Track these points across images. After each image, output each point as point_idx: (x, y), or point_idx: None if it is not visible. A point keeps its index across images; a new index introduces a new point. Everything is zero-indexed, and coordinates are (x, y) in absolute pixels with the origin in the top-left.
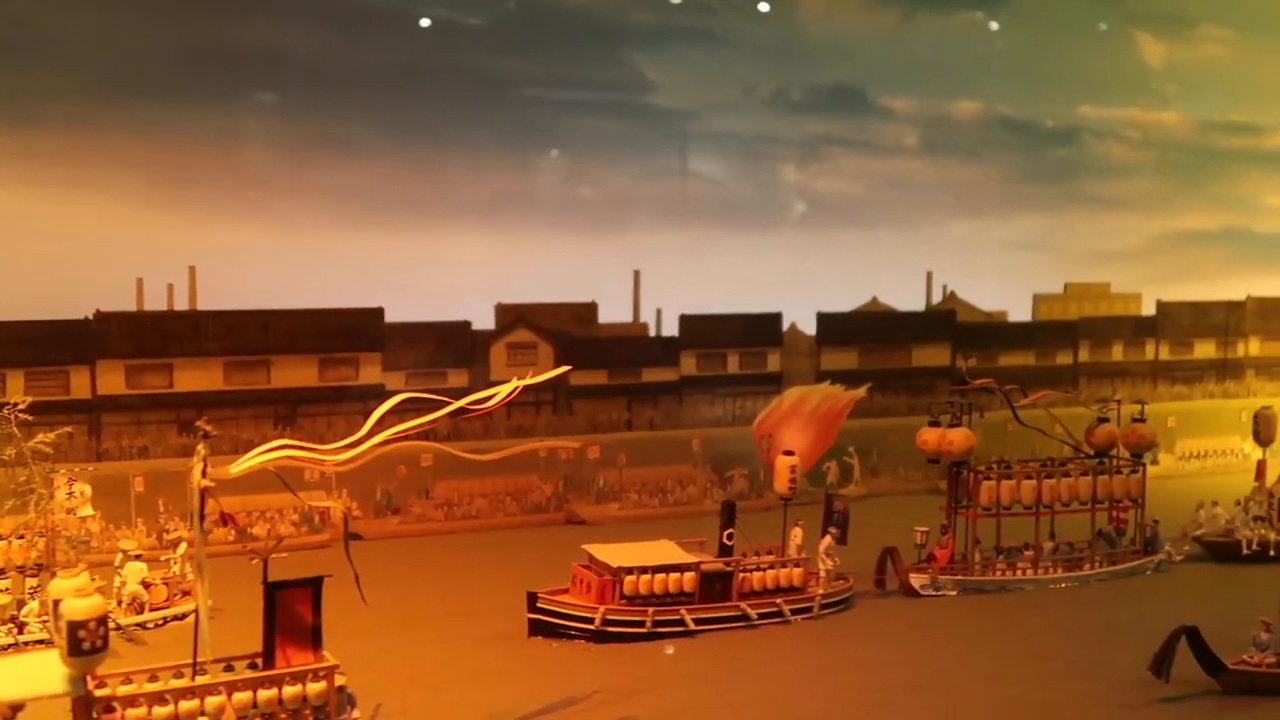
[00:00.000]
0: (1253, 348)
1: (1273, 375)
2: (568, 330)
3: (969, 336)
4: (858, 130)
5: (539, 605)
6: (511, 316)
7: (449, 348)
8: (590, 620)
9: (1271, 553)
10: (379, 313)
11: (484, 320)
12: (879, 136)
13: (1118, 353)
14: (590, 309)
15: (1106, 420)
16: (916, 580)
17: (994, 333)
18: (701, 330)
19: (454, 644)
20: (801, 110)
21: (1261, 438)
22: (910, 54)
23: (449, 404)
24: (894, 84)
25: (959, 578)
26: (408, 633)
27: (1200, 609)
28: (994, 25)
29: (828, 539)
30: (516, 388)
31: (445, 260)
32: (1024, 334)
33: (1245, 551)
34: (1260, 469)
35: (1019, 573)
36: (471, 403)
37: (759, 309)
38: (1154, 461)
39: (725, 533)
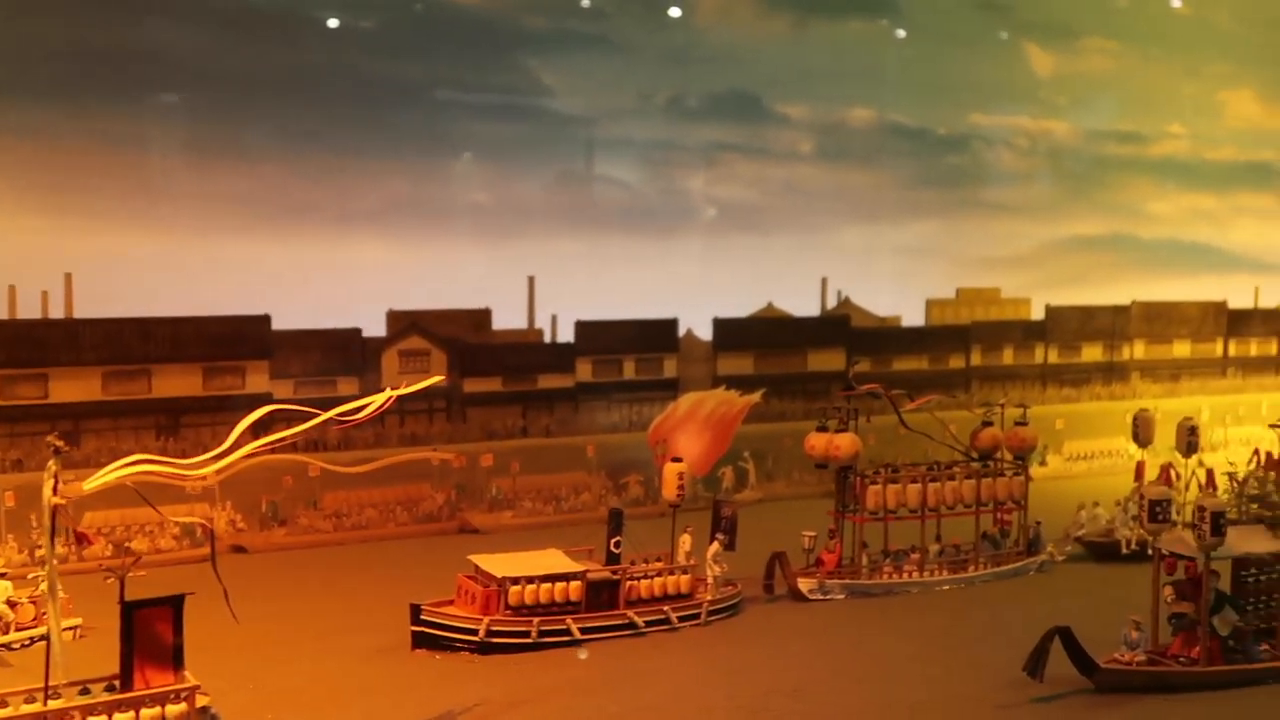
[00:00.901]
0: (1138, 351)
1: (1157, 378)
2: (462, 337)
3: (863, 341)
4: (753, 137)
5: (422, 618)
6: (404, 323)
7: (339, 355)
8: (474, 632)
9: (1149, 552)
10: (266, 320)
11: (376, 327)
12: (774, 143)
13: (1008, 356)
14: (485, 315)
15: (990, 424)
16: (804, 585)
17: (888, 337)
18: (597, 336)
19: (334, 659)
20: (697, 117)
21: (1141, 439)
22: (804, 61)
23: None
24: (789, 91)
25: (846, 581)
26: (287, 649)
27: (1079, 608)
28: (901, 33)
29: (715, 545)
30: (390, 398)
31: (337, 266)
32: (917, 339)
33: (1124, 551)
34: (1139, 470)
35: (905, 575)
36: (343, 414)
37: (655, 315)
38: (1042, 462)
39: (612, 541)
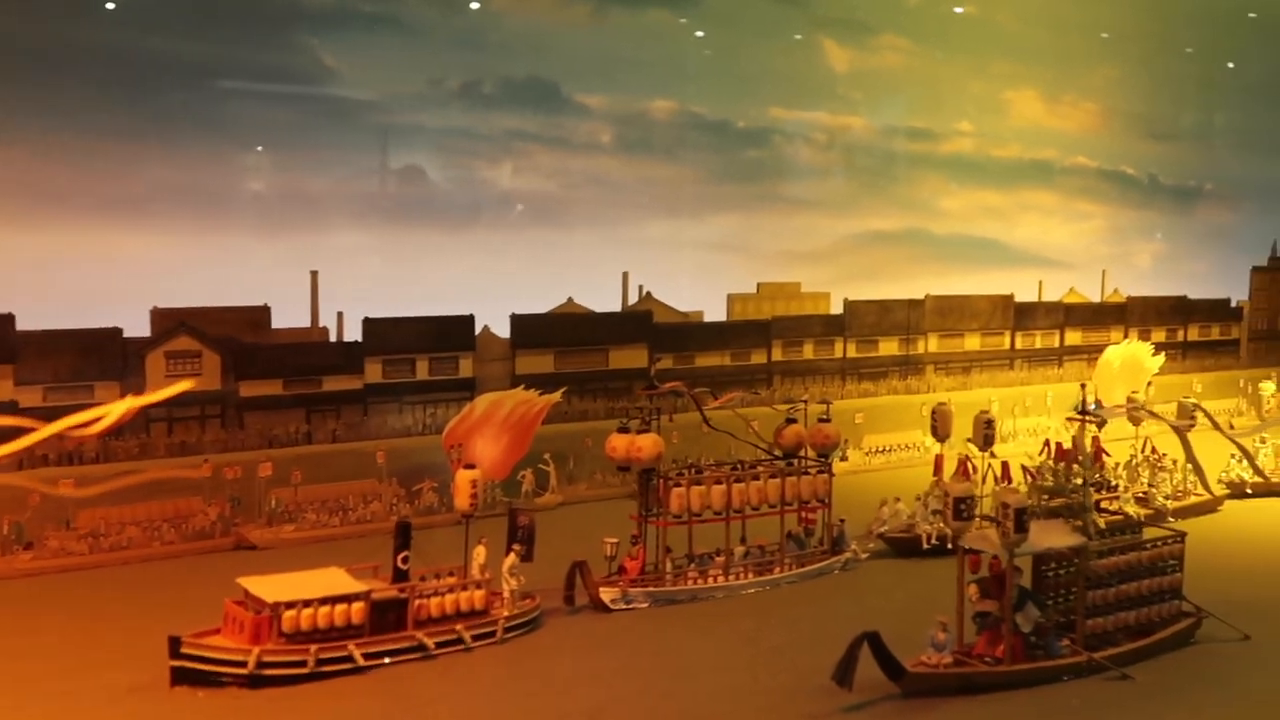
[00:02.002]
0: (932, 344)
1: (950, 371)
2: (237, 337)
3: (666, 337)
4: (553, 126)
5: (183, 651)
6: (171, 322)
7: (96, 358)
8: (243, 664)
9: (949, 545)
10: (8, 319)
11: (139, 327)
12: (574, 133)
13: (809, 351)
14: (263, 313)
15: (794, 421)
16: (606, 594)
17: (690, 333)
18: (387, 335)
19: (79, 701)
20: (493, 104)
21: (939, 433)
22: (604, 50)
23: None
24: (588, 80)
25: (650, 589)
26: (22, 691)
27: (884, 606)
28: (700, 34)
29: (511, 557)
30: (131, 408)
31: (93, 260)
32: (719, 334)
33: (925, 546)
34: (938, 464)
35: (711, 580)
36: (75, 425)
37: (450, 312)
38: (843, 458)
39: (399, 556)
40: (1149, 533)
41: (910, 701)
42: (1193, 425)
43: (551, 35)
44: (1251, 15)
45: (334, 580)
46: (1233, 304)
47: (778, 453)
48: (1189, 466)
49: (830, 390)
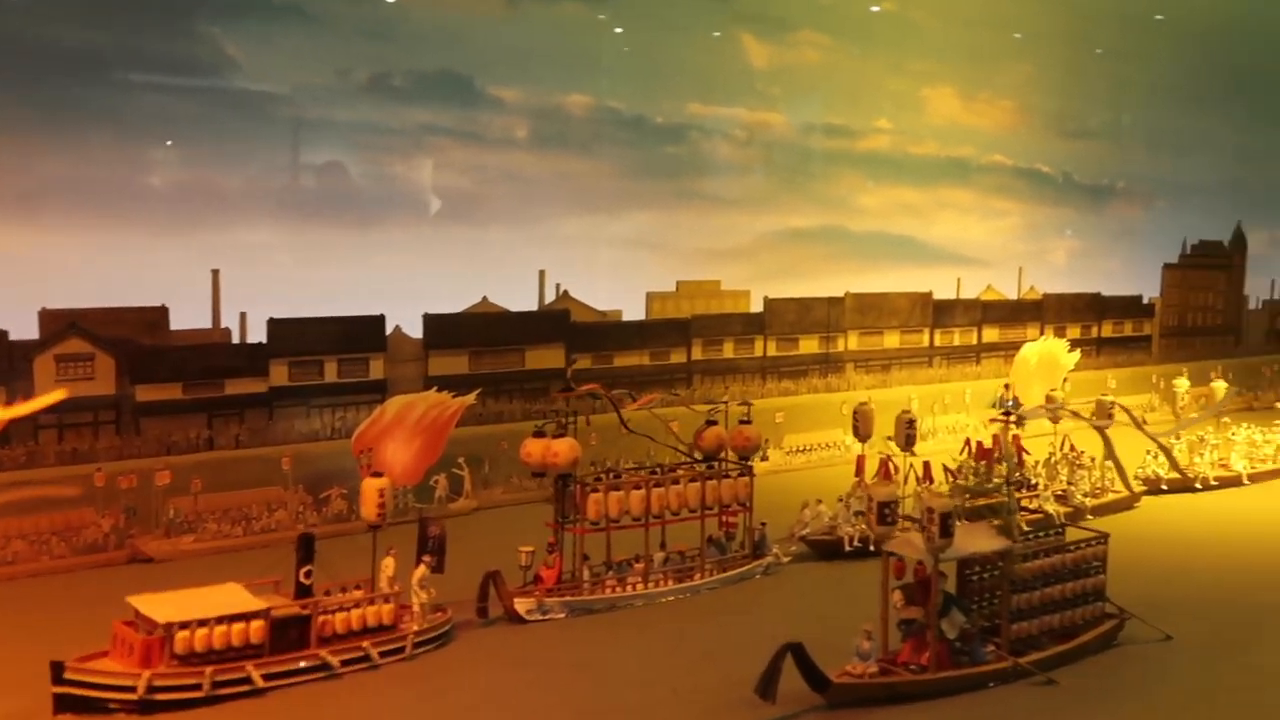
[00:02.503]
0: (852, 342)
1: (870, 369)
2: (133, 339)
3: (583, 337)
4: (466, 121)
5: (66, 676)
6: (62, 324)
7: None
8: (132, 689)
9: (871, 548)
10: None
11: (26, 329)
12: (488, 128)
13: (729, 350)
14: (160, 314)
15: (715, 423)
16: (521, 605)
17: (608, 333)
18: (294, 336)
19: None
20: (404, 98)
21: (860, 433)
22: (519, 43)
23: None
24: (503, 74)
25: (567, 599)
26: None
27: (807, 612)
28: (611, 23)
29: (421, 569)
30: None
31: None
32: (638, 333)
33: (847, 548)
34: (860, 464)
35: (630, 588)
36: None
37: (359, 311)
38: (764, 458)
39: (302, 570)
40: (1072, 534)
41: (836, 713)
42: (1111, 423)
43: (464, 27)
44: (1158, 17)
45: (231, 597)
46: (1145, 301)
47: (698, 456)
48: (1108, 464)
49: (751, 389)
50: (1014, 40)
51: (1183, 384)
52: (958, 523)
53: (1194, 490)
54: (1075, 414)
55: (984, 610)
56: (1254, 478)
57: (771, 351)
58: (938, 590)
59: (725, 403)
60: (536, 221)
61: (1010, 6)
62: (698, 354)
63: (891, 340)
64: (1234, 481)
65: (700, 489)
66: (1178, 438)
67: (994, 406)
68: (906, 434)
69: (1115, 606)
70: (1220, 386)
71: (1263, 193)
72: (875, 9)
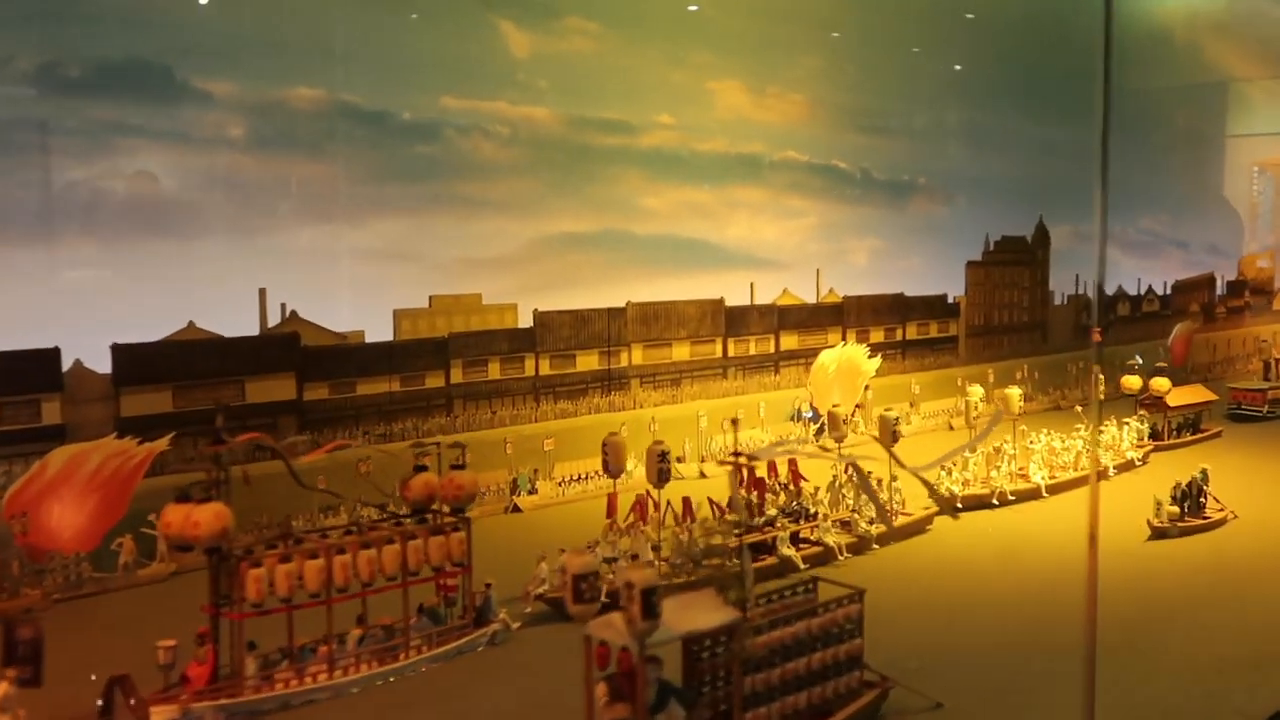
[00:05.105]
0: (636, 356)
1: (658, 384)
2: None
3: (318, 363)
4: (165, 118)
5: None
6: None
7: None
8: None
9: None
10: None
11: None
12: (194, 126)
13: (495, 370)
14: None
15: (425, 469)
16: (162, 716)
17: (349, 356)
18: None
19: None
20: (82, 90)
21: (611, 469)
22: (228, 27)
23: None
24: (210, 63)
25: (224, 702)
26: None
27: (536, 687)
28: (342, 5)
29: (4, 685)
30: None
31: None
32: (386, 356)
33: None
34: (611, 505)
35: (311, 680)
36: None
37: (28, 344)
38: (531, 490)
39: None
40: (825, 591)
41: None
42: (898, 439)
43: (157, 6)
44: (969, 16)
45: None
46: (950, 300)
47: (403, 509)
48: (895, 486)
49: (523, 413)
50: (801, 31)
51: (977, 391)
52: (675, 596)
53: (992, 506)
54: (823, 449)
55: (719, 693)
56: (1052, 489)
57: (545, 370)
58: (645, 682)
59: (437, 444)
60: (257, 233)
61: None
62: (458, 377)
63: (681, 352)
64: (1033, 494)
65: (400, 551)
66: (972, 450)
67: (792, 420)
68: (659, 468)
69: (876, 674)
70: (1014, 393)
71: (1064, 187)
72: None
